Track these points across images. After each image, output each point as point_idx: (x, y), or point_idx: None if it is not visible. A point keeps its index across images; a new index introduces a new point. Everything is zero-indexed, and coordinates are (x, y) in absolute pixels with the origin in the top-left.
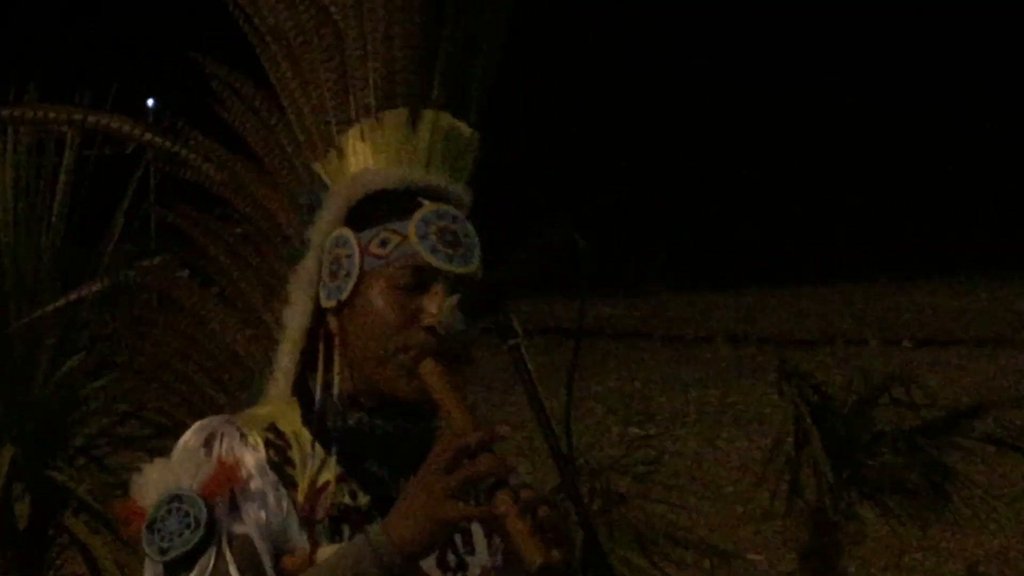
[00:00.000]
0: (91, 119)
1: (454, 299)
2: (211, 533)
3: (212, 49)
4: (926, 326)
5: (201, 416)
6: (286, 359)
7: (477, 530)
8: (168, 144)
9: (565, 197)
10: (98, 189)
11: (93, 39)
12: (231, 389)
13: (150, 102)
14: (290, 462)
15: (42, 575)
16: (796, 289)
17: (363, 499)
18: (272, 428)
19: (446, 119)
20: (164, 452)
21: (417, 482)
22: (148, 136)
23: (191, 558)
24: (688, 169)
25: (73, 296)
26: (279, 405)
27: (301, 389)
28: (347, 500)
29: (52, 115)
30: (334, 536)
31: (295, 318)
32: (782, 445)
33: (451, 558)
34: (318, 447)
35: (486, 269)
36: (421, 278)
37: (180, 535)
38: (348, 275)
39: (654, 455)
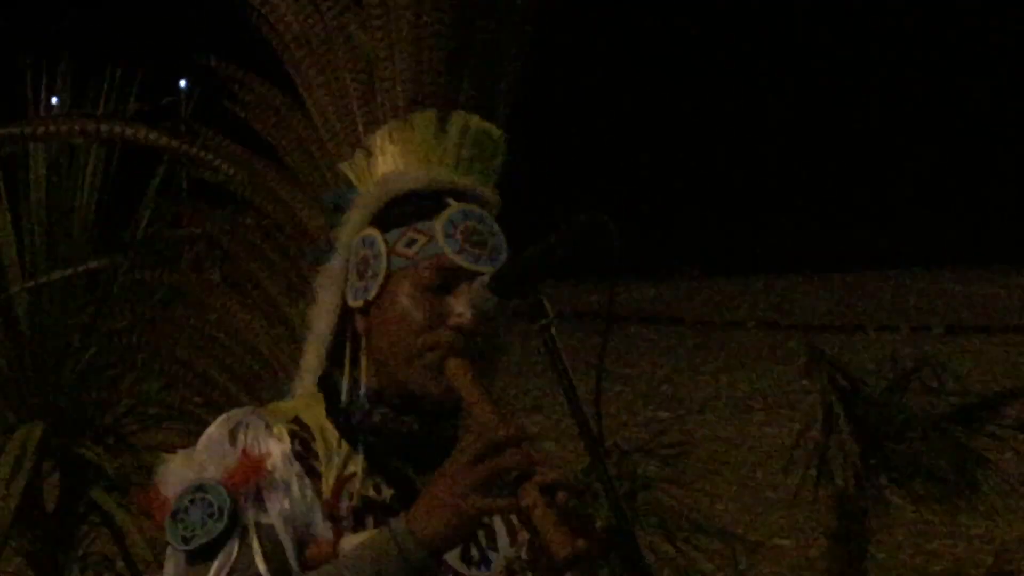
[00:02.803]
0: (106, 128)
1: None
2: (234, 523)
3: (229, 50)
4: (957, 313)
5: (221, 412)
6: (312, 357)
7: (500, 525)
8: (184, 147)
9: (598, 182)
10: (129, 171)
11: (121, 24)
12: (253, 387)
13: (182, 83)
14: (314, 454)
15: (71, 552)
16: (827, 275)
17: (387, 492)
18: (296, 420)
19: (475, 121)
20: (190, 433)
21: (442, 475)
22: (165, 141)
23: (213, 548)
24: (720, 154)
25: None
26: (303, 400)
27: (326, 385)
28: (372, 493)
29: (66, 128)
30: (357, 528)
31: (321, 317)
32: (811, 431)
33: (474, 553)
34: (344, 443)
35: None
36: (447, 278)
37: (203, 525)
38: (375, 275)
39: (682, 440)
